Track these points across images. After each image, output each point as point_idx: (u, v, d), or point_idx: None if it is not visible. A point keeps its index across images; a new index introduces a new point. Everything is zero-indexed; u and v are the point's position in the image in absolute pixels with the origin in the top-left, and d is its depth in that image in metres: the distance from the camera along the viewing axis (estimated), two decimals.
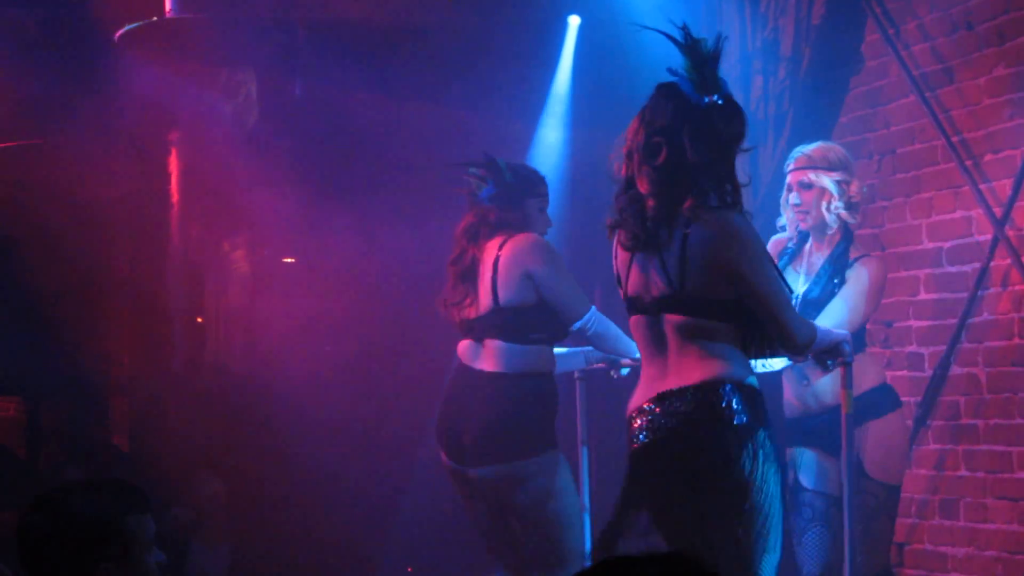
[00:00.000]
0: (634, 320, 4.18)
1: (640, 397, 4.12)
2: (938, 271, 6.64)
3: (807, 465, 5.58)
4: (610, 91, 7.80)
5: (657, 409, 4.03)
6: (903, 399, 6.73)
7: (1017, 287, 6.21)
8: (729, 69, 7.59)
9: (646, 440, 4.03)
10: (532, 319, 5.57)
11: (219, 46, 7.57)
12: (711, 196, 4.00)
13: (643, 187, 4.05)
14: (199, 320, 9.06)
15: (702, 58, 4.09)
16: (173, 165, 8.73)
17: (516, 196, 5.72)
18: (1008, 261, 6.22)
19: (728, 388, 3.97)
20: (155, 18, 7.64)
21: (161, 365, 8.77)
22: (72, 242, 8.20)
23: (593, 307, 5.59)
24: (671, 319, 4.05)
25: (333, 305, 8.27)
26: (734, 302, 4.00)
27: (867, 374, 5.48)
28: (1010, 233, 6.20)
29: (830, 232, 5.51)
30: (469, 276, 5.70)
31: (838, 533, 5.30)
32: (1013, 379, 6.24)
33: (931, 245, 6.68)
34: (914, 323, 6.78)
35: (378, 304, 8.17)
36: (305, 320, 8.27)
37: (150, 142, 8.62)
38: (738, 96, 7.52)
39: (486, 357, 5.64)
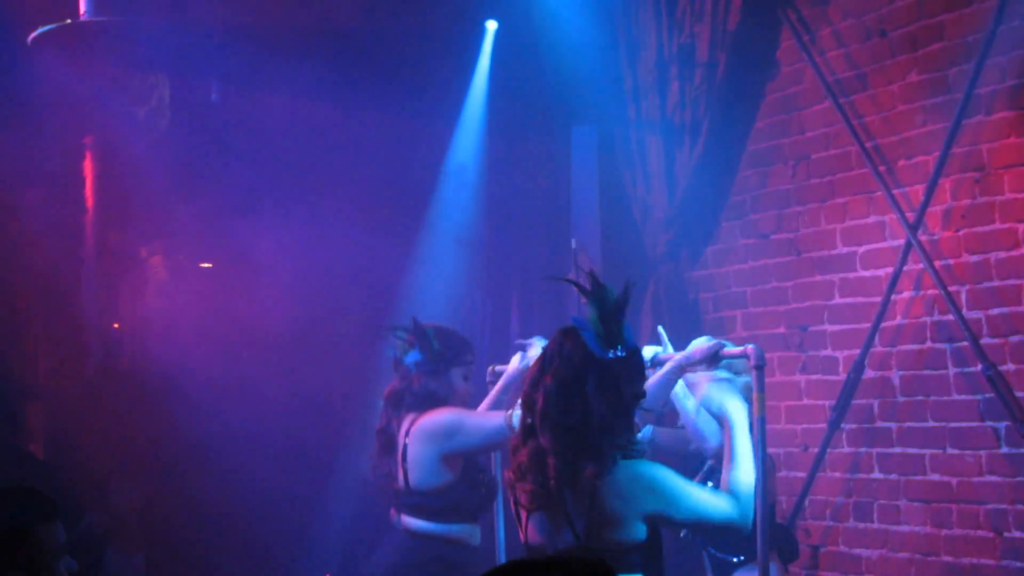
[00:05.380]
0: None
1: None
2: (852, 275, 6.70)
3: None
4: (527, 94, 7.83)
5: None
6: (818, 402, 6.82)
7: (929, 291, 6.28)
8: (645, 75, 7.63)
9: None
10: (445, 501, 5.41)
11: (131, 50, 7.51)
12: (614, 454, 3.84)
13: (545, 441, 3.87)
14: (115, 326, 8.98)
15: (608, 310, 3.93)
16: (88, 169, 8.64)
17: (442, 364, 5.51)
18: (920, 266, 6.28)
19: None
20: (68, 20, 7.57)
21: (77, 372, 8.67)
22: None
23: (504, 415, 5.18)
24: None
25: (250, 310, 8.22)
26: (645, 544, 3.85)
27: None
28: (922, 238, 6.27)
29: None
30: (391, 448, 5.51)
31: None
32: (925, 382, 6.31)
33: (845, 250, 6.74)
34: (828, 327, 6.83)
35: (296, 308, 8.13)
36: (222, 326, 8.21)
37: (65, 146, 8.53)
38: (654, 102, 7.66)
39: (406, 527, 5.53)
